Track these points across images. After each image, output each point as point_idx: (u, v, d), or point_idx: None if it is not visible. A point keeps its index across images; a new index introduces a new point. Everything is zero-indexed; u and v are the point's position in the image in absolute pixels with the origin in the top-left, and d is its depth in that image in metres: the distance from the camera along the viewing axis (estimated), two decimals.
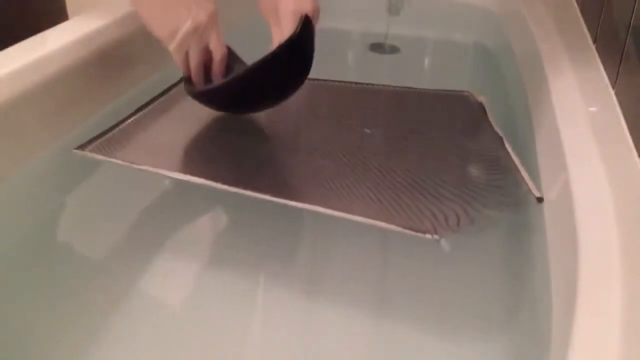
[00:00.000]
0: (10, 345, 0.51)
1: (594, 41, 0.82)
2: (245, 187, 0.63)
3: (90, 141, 0.72)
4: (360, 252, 0.62)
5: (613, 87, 0.68)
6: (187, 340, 0.52)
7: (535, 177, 0.69)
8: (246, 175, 0.67)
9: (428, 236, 0.56)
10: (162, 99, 0.85)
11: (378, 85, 0.94)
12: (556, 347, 0.46)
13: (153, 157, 0.69)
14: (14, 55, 0.72)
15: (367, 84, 0.94)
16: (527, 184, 0.67)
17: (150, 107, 0.83)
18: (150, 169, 0.67)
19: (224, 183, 0.64)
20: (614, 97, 0.67)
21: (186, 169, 0.68)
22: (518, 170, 0.70)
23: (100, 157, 0.69)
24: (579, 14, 0.94)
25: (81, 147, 0.71)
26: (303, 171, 0.69)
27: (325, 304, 0.56)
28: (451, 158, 0.73)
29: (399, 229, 0.57)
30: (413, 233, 0.56)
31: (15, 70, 0.69)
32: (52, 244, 0.64)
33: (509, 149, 0.74)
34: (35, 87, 0.70)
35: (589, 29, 0.87)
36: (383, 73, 1.10)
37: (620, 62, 0.67)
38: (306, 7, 0.70)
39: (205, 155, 0.73)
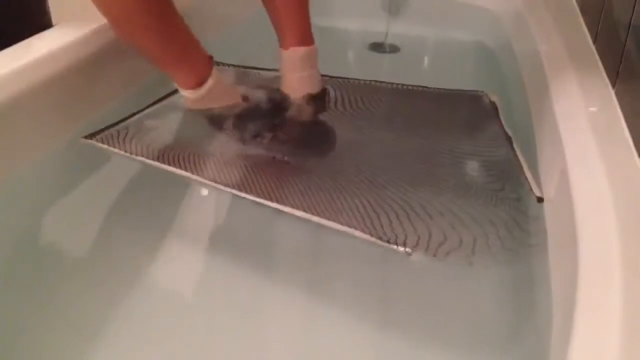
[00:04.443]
0: (19, 333, 0.51)
1: (594, 41, 0.82)
2: (228, 186, 0.64)
3: (97, 132, 0.74)
4: (362, 264, 0.62)
5: (613, 87, 0.68)
6: (187, 338, 0.52)
7: (535, 177, 0.69)
8: (238, 175, 0.67)
9: (401, 249, 0.55)
10: (168, 99, 0.85)
11: (393, 83, 0.92)
12: (556, 347, 0.46)
13: (155, 151, 0.70)
14: (14, 56, 0.72)
15: (378, 82, 0.92)
16: (529, 184, 0.67)
17: (156, 105, 0.83)
18: (150, 162, 0.68)
19: (208, 179, 0.65)
20: (614, 97, 0.67)
21: (185, 166, 0.69)
22: (523, 171, 0.70)
23: (105, 146, 0.72)
24: (579, 14, 0.94)
25: (88, 136, 0.73)
26: (298, 173, 0.69)
27: (326, 315, 0.56)
28: (459, 167, 0.73)
29: (372, 239, 0.56)
30: (385, 244, 0.56)
31: (16, 69, 0.69)
32: (52, 241, 0.64)
33: (517, 150, 0.74)
34: (35, 87, 0.70)
35: (589, 29, 0.87)
36: (383, 72, 1.10)
37: (620, 62, 0.67)
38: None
39: (200, 154, 0.73)
